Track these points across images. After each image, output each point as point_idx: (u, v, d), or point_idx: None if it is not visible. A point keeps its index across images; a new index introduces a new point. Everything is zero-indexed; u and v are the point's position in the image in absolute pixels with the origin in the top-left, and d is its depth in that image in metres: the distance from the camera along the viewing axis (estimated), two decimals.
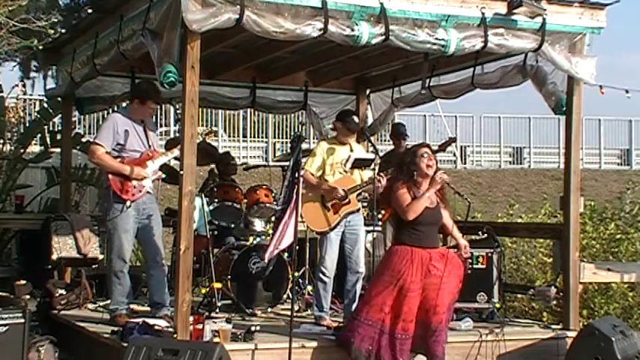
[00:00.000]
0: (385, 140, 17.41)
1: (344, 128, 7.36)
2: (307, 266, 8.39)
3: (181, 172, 6.24)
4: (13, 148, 11.15)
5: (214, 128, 7.93)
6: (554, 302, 8.06)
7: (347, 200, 7.25)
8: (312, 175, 7.27)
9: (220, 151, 10.34)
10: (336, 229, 7.28)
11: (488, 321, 7.54)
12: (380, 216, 8.25)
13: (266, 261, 7.28)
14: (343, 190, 7.22)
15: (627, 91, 10.01)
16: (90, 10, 8.29)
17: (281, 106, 10.27)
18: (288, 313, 6.61)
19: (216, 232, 8.45)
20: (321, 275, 7.26)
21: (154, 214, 7.22)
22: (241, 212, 8.71)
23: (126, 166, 7.05)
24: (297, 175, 6.71)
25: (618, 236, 10.26)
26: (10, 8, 12.13)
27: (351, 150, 7.39)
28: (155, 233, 7.18)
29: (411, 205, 6.33)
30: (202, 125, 17.81)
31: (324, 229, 7.27)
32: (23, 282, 8.40)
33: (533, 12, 6.92)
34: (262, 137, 22.37)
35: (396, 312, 6.20)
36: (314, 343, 6.51)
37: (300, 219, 6.82)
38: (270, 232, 8.39)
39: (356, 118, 7.48)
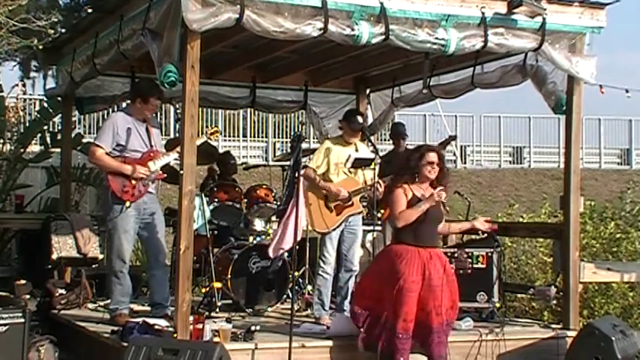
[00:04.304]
0: (385, 140, 17.41)
1: (348, 128, 7.43)
2: (307, 266, 8.39)
3: (181, 172, 6.24)
4: (13, 148, 11.14)
5: (217, 127, 7.89)
6: (554, 302, 8.07)
7: (350, 202, 7.30)
8: (314, 171, 7.30)
9: (220, 151, 10.34)
10: (337, 229, 7.33)
11: (488, 320, 7.54)
12: (379, 215, 8.26)
13: (272, 257, 7.29)
14: (347, 192, 7.26)
15: (627, 91, 10.04)
16: (90, 10, 8.29)
17: (281, 105, 10.28)
18: (288, 312, 6.60)
19: (216, 232, 8.45)
20: (322, 273, 7.30)
21: (156, 213, 7.22)
22: (241, 212, 8.71)
23: (126, 166, 7.05)
24: (297, 174, 6.73)
25: (618, 236, 10.26)
26: (10, 8, 12.12)
27: (357, 150, 7.44)
28: (157, 232, 7.18)
29: (403, 213, 6.31)
30: (204, 126, 17.80)
31: (326, 230, 7.31)
32: (23, 282, 8.41)
33: (533, 11, 6.92)
34: (262, 137, 22.38)
35: (396, 312, 6.19)
36: (314, 343, 6.51)
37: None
38: (271, 231, 8.41)
39: (360, 118, 7.54)
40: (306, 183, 7.23)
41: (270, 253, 6.95)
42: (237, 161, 9.82)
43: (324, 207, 7.31)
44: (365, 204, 8.22)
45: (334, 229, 7.31)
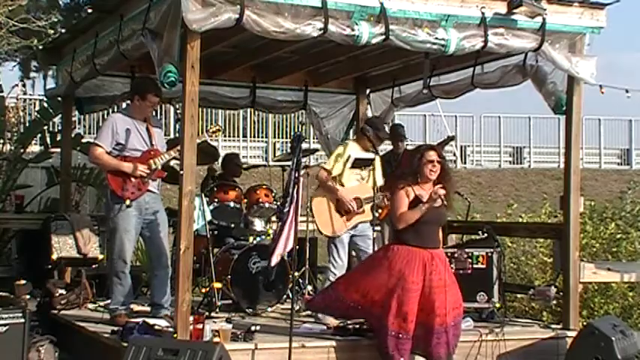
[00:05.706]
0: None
1: (374, 136, 7.49)
2: (307, 266, 8.39)
3: (181, 172, 6.24)
4: (13, 148, 11.15)
5: (219, 126, 7.86)
6: (554, 302, 8.06)
7: (362, 210, 7.31)
8: (328, 173, 7.31)
9: (220, 151, 10.33)
10: (346, 234, 7.41)
11: (488, 321, 7.54)
12: (376, 214, 8.26)
13: (272, 265, 7.26)
14: (358, 199, 7.33)
15: (627, 91, 10.02)
16: (90, 10, 8.29)
17: (281, 106, 10.28)
18: (288, 312, 6.60)
19: (216, 232, 8.45)
20: (332, 278, 7.30)
21: (159, 212, 7.20)
22: (241, 212, 8.70)
23: (125, 164, 7.04)
24: (297, 175, 6.72)
25: (618, 236, 10.27)
26: (10, 8, 12.14)
27: None
28: (160, 232, 7.16)
29: (404, 214, 6.32)
30: (206, 126, 17.77)
31: (334, 234, 7.33)
32: (23, 282, 8.39)
33: (533, 12, 6.92)
34: (262, 137, 22.39)
35: (396, 312, 6.19)
36: (314, 343, 6.51)
37: (311, 218, 6.84)
38: (271, 231, 8.40)
39: (388, 130, 7.57)
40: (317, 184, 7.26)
41: (272, 261, 6.80)
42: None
43: (334, 211, 7.34)
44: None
45: (343, 234, 7.34)
